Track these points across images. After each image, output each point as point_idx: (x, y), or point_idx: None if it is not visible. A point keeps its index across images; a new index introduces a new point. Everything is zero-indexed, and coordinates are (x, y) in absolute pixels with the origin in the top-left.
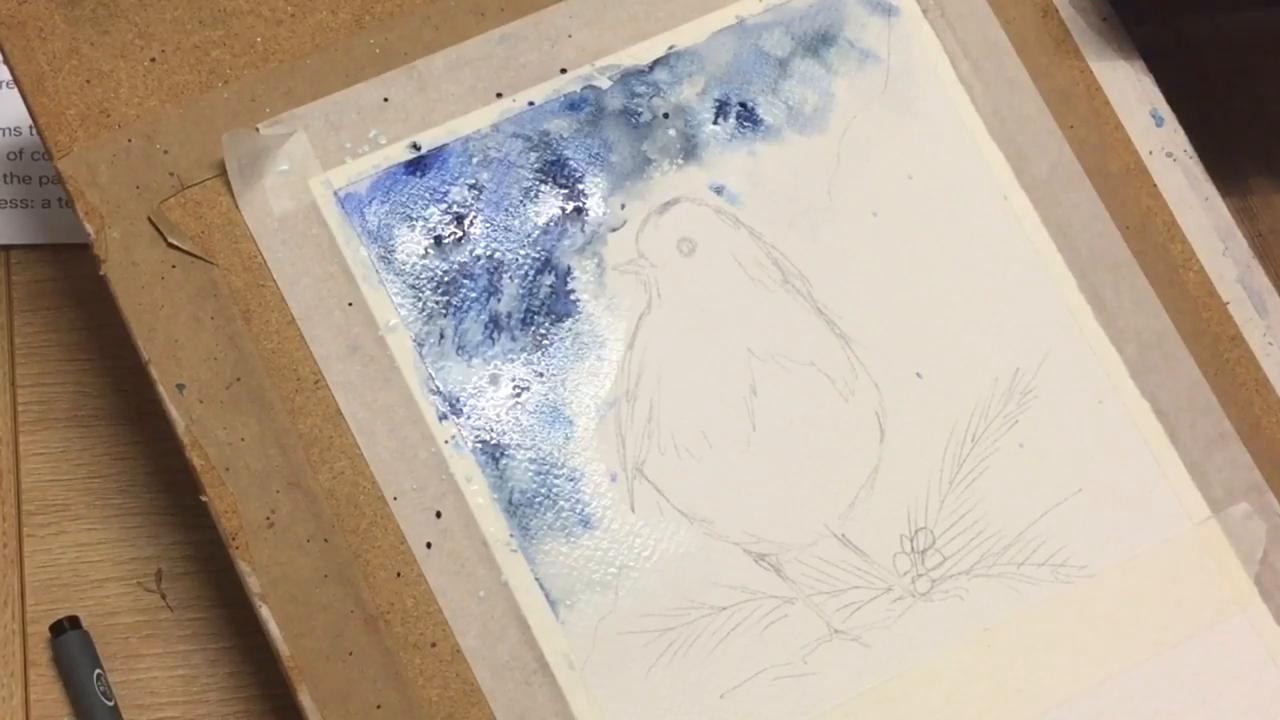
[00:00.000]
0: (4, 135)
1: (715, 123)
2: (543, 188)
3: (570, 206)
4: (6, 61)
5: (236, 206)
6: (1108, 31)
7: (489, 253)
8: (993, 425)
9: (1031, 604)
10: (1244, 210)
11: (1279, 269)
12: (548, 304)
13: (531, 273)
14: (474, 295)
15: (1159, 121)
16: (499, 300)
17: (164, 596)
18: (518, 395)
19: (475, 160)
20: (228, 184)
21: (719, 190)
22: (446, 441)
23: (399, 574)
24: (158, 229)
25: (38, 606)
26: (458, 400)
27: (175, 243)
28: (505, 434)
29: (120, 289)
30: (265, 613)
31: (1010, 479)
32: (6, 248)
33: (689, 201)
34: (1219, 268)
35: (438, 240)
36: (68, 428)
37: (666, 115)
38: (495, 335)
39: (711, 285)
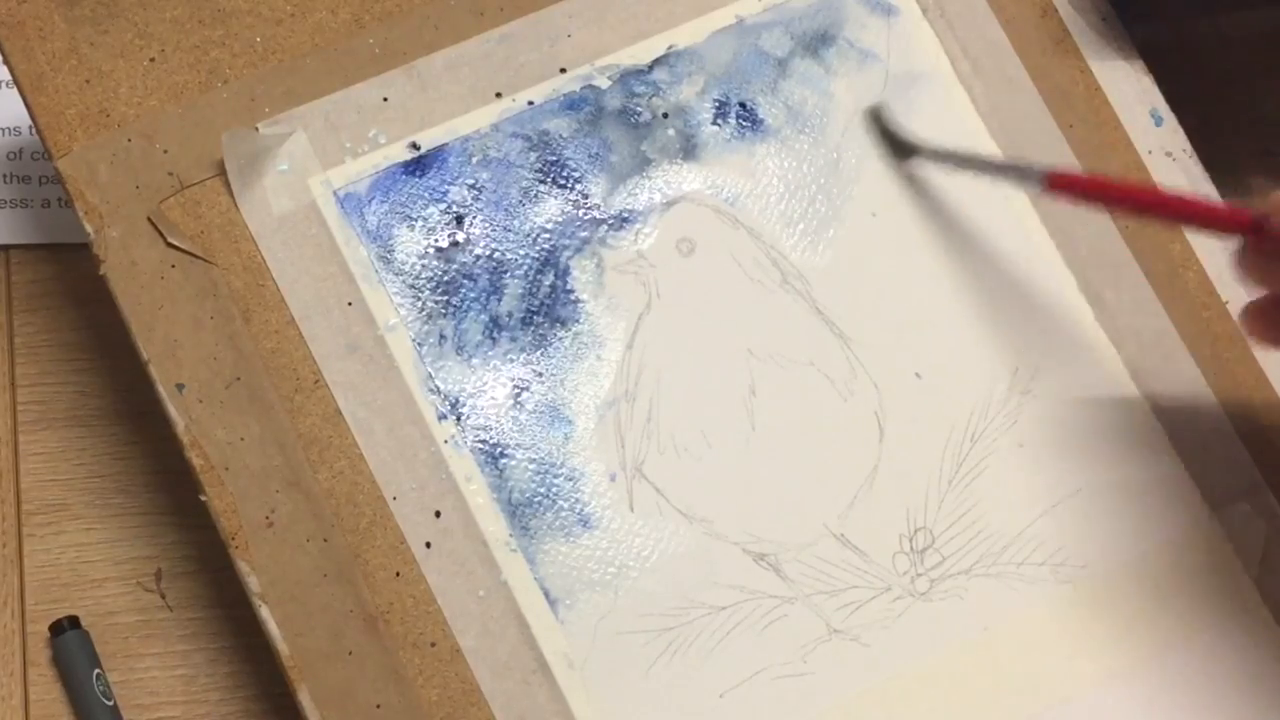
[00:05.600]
0: (4, 135)
1: (715, 123)
2: (542, 187)
3: (570, 206)
4: (6, 61)
5: (236, 206)
6: (1107, 31)
7: (488, 253)
8: (992, 425)
9: (1031, 604)
10: None
11: None
12: (547, 304)
13: (531, 273)
14: (473, 295)
15: (1159, 121)
16: (498, 300)
17: (163, 596)
18: (517, 395)
19: (475, 160)
20: (227, 184)
21: (718, 190)
22: (446, 441)
23: (398, 573)
24: (157, 229)
25: (37, 606)
26: (457, 400)
27: (175, 242)
28: (505, 434)
29: (120, 289)
30: (265, 612)
31: (1009, 478)
32: (6, 248)
33: (688, 201)
34: (1219, 267)
35: (437, 240)
36: (67, 428)
37: (666, 115)
38: (495, 335)
39: (711, 285)
